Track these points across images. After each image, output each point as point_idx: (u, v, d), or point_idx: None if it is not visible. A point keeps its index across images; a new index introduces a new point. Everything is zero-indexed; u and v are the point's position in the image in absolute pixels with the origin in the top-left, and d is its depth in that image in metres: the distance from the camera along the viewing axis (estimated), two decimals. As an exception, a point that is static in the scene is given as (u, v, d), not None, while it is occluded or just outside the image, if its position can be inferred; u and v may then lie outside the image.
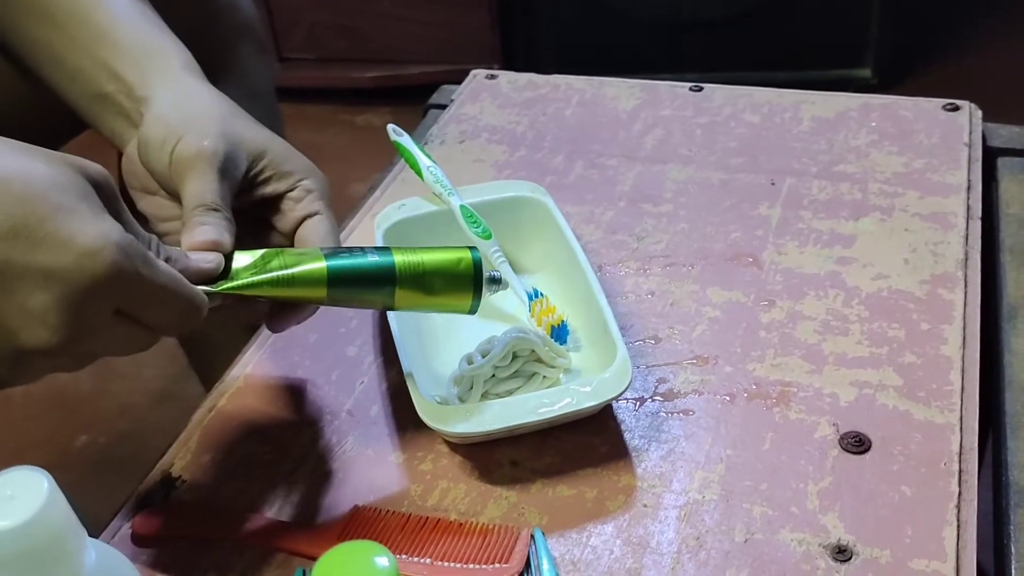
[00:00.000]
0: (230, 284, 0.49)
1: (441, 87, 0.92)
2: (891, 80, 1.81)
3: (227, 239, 0.50)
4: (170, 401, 1.29)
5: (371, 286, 0.51)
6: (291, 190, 0.54)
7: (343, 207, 0.76)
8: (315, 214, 0.53)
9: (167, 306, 0.44)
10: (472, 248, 0.53)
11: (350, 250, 0.51)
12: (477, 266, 0.53)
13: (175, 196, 0.53)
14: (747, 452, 0.54)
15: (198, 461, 0.57)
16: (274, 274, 0.49)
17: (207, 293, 0.47)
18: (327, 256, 0.50)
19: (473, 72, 0.92)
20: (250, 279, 0.49)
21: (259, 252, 0.50)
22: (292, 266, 0.49)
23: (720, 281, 0.65)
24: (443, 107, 0.88)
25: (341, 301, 0.51)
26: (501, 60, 1.87)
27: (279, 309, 0.52)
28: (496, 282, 0.57)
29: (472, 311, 0.54)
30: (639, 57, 1.78)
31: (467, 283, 0.52)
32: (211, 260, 0.48)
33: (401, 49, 1.93)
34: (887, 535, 0.49)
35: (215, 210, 0.50)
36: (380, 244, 0.64)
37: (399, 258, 0.51)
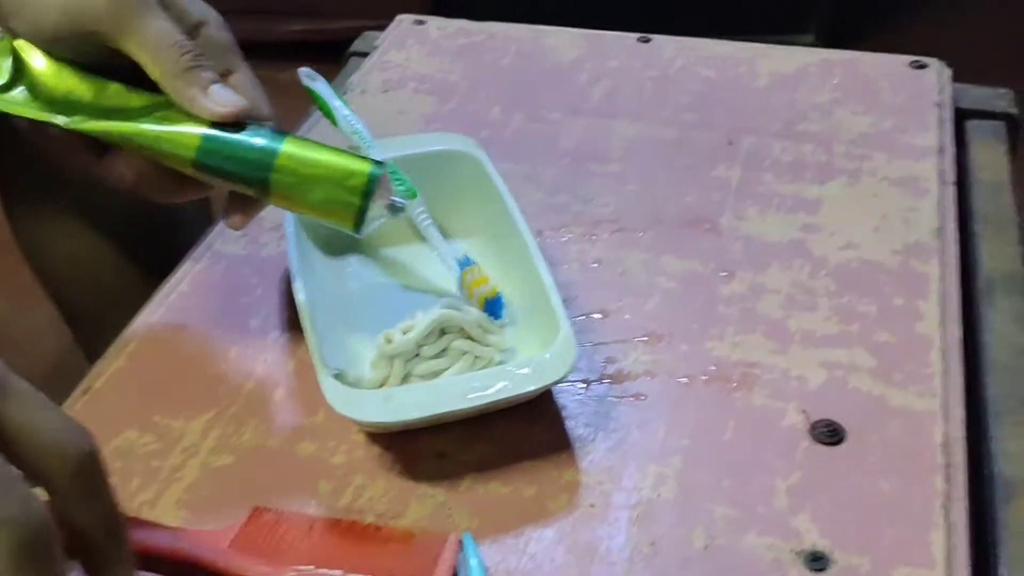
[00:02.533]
0: (95, 123, 0.46)
1: (364, 33, 0.84)
2: (835, 46, 1.76)
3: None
4: (68, 373, 1.19)
5: (244, 169, 0.46)
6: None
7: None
8: (230, 73, 0.47)
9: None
10: (378, 163, 0.47)
11: (250, 126, 0.46)
12: (370, 185, 0.46)
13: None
14: (707, 443, 0.48)
15: (68, 453, 0.48)
16: (146, 126, 0.46)
17: (65, 126, 0.45)
18: (213, 126, 0.46)
19: (399, 17, 0.84)
20: (117, 124, 0.46)
21: (153, 99, 0.47)
22: (170, 123, 0.46)
23: (675, 249, 0.59)
24: (366, 55, 0.80)
25: (210, 175, 0.47)
26: (433, 12, 1.77)
27: (232, 198, 0.48)
28: (396, 210, 0.49)
29: (356, 232, 0.47)
30: (576, 13, 1.70)
31: (353, 201, 0.46)
32: None
33: (328, 1, 1.82)
34: (867, 539, 0.43)
35: (201, 55, 0.45)
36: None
37: (288, 148, 0.46)
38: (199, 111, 0.46)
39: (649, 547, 0.43)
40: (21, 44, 0.48)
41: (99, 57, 0.47)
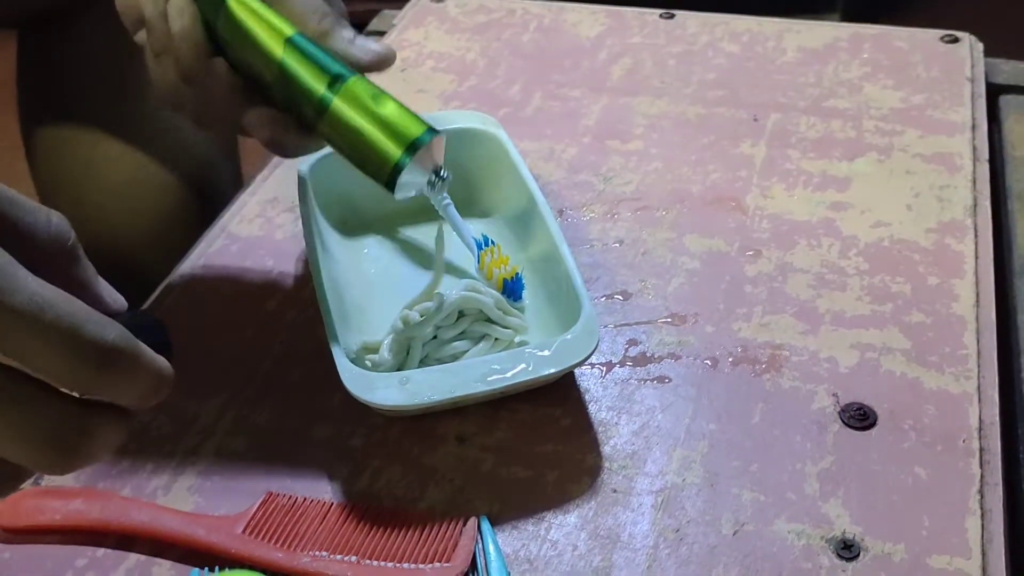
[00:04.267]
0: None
1: (381, 12, 0.82)
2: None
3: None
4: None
5: (313, 77, 0.45)
6: None
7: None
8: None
9: (42, 344, 0.28)
10: (435, 131, 0.46)
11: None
12: (418, 142, 0.45)
13: None
14: (734, 427, 0.46)
15: (81, 436, 0.47)
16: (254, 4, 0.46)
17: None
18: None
19: (418, -6, 0.82)
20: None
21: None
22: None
23: (699, 228, 0.57)
24: (383, 34, 0.78)
25: (288, 75, 0.45)
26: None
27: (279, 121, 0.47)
28: (436, 182, 0.48)
29: (388, 188, 0.46)
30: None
31: (394, 152, 0.45)
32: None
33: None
34: (900, 526, 0.42)
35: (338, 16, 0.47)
36: (304, 181, 0.55)
37: (361, 80, 0.46)
38: (348, 58, 0.46)
39: (674, 533, 0.42)
40: None
41: None
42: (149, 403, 0.31)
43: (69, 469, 0.30)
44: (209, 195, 0.77)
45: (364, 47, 0.47)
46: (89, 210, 0.74)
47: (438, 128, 0.47)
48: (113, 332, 0.29)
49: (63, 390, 0.29)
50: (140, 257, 0.73)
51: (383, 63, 0.48)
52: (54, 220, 0.33)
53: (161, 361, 0.31)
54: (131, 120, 0.75)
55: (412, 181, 0.46)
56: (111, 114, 0.75)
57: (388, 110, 0.45)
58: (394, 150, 0.45)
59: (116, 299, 0.35)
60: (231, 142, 0.82)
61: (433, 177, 0.47)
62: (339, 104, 0.45)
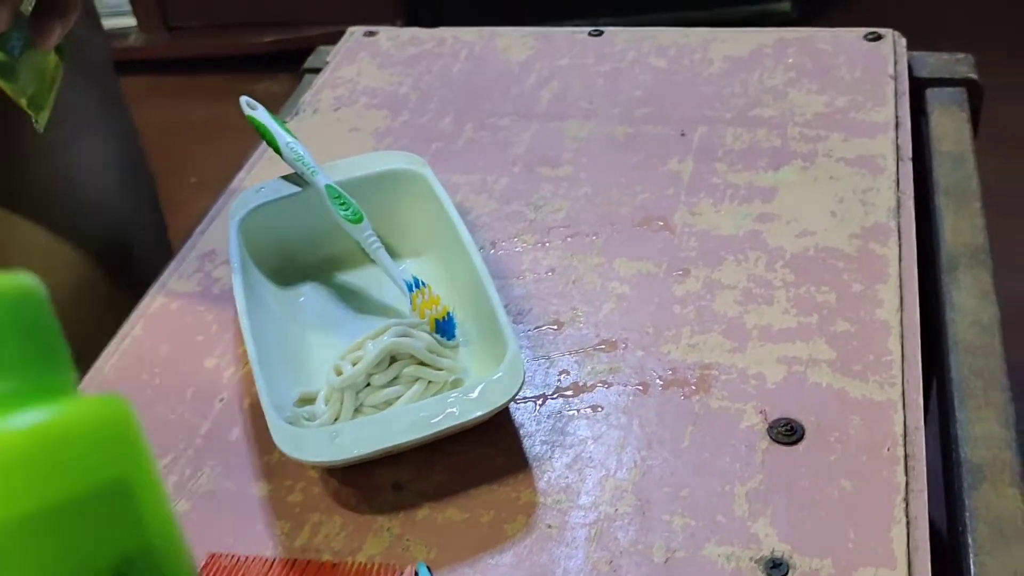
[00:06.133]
0: None
1: (318, 48, 0.83)
2: (812, 13, 1.74)
3: None
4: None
5: None
6: None
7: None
8: None
9: None
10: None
11: None
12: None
13: None
14: (665, 452, 0.47)
15: (26, 512, 0.48)
16: None
17: None
18: None
19: (350, 30, 0.83)
20: None
21: None
22: None
23: (628, 251, 0.58)
24: (319, 71, 0.79)
25: None
26: (404, 17, 1.76)
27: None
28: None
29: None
30: (545, 4, 1.69)
31: None
32: None
33: (298, 10, 1.81)
34: (827, 541, 0.42)
35: None
36: (234, 238, 0.55)
37: None
38: None
39: (607, 566, 0.43)
40: None
41: None
42: None
43: None
44: (129, 250, 0.75)
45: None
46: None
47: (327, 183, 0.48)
48: None
49: None
50: (65, 317, 0.73)
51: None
52: None
53: None
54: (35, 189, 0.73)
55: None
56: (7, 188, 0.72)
57: None
58: None
59: None
60: (149, 192, 0.80)
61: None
62: None
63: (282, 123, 0.60)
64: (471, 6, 1.73)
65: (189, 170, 1.63)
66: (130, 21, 1.89)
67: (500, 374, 0.46)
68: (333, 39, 0.83)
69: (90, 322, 0.74)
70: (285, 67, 1.85)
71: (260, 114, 0.61)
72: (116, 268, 0.75)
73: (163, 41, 1.81)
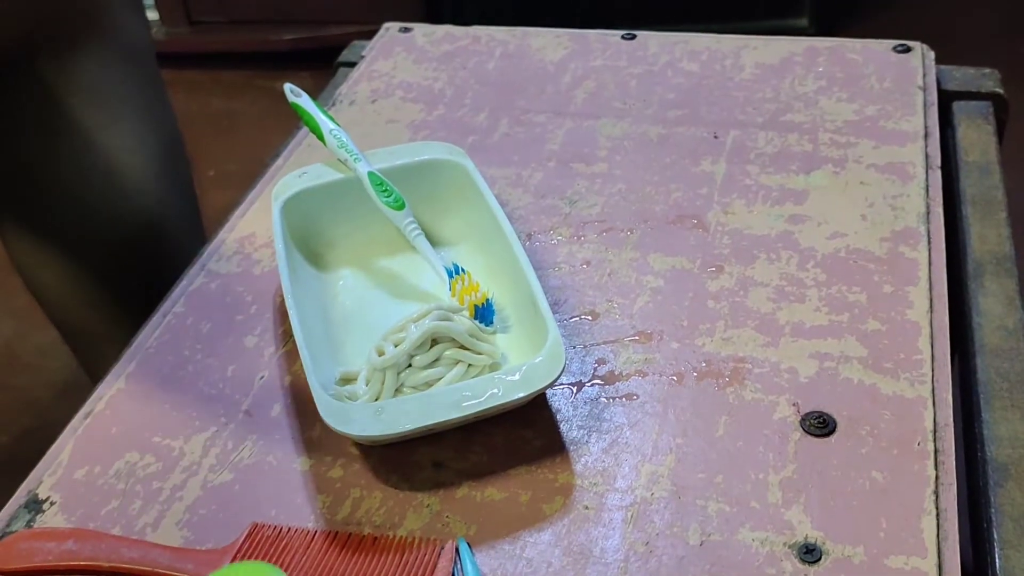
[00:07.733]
0: None
1: (352, 43, 0.84)
2: (829, 29, 1.76)
3: None
4: (76, 393, 1.20)
5: None
6: None
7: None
8: None
9: None
10: None
11: None
12: None
13: None
14: (699, 440, 0.48)
15: (70, 477, 0.49)
16: None
17: None
18: None
19: (385, 25, 0.84)
20: None
21: None
22: None
23: (662, 246, 0.59)
24: (353, 64, 0.80)
25: None
26: (425, 18, 1.78)
27: None
28: None
29: None
30: (568, 10, 1.71)
31: None
32: None
33: (319, 8, 1.82)
34: (859, 530, 0.43)
35: None
36: (278, 219, 0.56)
37: None
38: None
39: (644, 547, 0.44)
40: None
41: None
42: None
43: None
44: (164, 232, 0.77)
45: None
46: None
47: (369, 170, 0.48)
48: None
49: None
50: (100, 297, 0.73)
51: None
52: None
53: None
54: (72, 162, 0.74)
55: None
56: (50, 159, 0.73)
57: None
58: None
59: None
60: (185, 176, 0.81)
61: None
62: None
63: (325, 111, 0.62)
64: (488, 12, 1.75)
65: (208, 164, 1.64)
66: (152, 15, 1.91)
67: (541, 358, 0.47)
68: (354, 38, 0.84)
69: (124, 302, 0.75)
70: (305, 65, 1.88)
71: (304, 101, 0.62)
72: (150, 251, 0.76)
73: (185, 36, 1.83)
